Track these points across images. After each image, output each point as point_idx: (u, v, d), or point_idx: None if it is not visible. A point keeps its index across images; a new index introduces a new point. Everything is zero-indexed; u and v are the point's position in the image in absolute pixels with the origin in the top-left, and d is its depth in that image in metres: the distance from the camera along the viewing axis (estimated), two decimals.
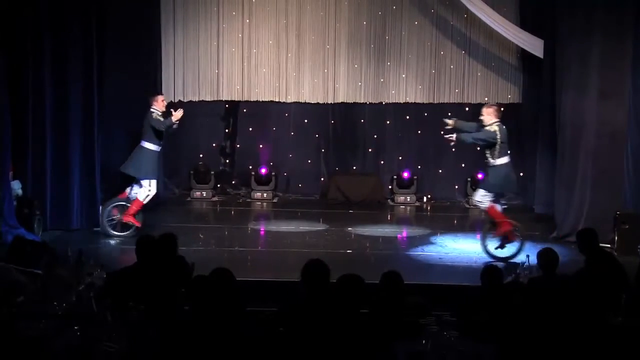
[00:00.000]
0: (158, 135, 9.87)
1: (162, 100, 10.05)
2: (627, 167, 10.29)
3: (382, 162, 13.48)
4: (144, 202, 9.89)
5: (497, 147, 8.99)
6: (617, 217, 9.67)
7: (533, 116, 11.87)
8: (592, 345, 4.76)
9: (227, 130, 13.57)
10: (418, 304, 5.50)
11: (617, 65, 9.92)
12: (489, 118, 9.09)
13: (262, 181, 13.15)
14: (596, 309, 5.49)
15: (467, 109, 12.94)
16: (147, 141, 9.85)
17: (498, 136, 8.96)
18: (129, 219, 9.84)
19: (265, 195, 13.03)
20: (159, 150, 9.97)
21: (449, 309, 5.96)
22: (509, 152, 9.16)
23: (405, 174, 13.02)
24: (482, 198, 9.18)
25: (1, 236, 8.95)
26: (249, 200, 13.01)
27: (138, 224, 9.84)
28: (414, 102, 12.76)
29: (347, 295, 4.89)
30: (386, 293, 5.47)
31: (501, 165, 9.06)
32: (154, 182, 9.93)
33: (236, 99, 12.83)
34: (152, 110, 9.89)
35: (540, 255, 6.37)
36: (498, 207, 9.17)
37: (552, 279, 6.19)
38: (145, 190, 9.84)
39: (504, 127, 9.12)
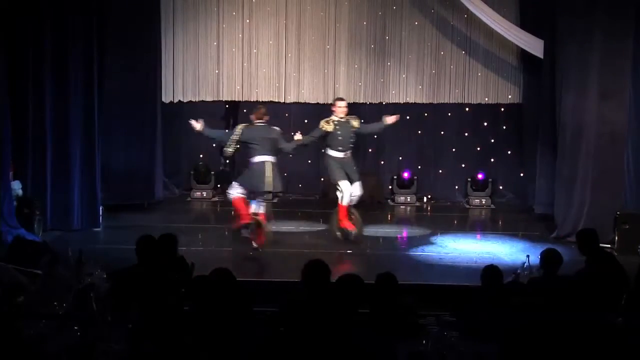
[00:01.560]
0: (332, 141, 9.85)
1: (339, 106, 9.88)
2: (627, 167, 10.29)
3: (382, 162, 13.48)
4: (346, 204, 9.80)
5: (250, 146, 9.44)
6: (617, 217, 9.67)
7: (533, 116, 11.86)
8: (592, 346, 4.76)
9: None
10: (406, 304, 5.47)
11: (617, 65, 9.91)
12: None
13: None
14: (596, 309, 5.49)
15: (467, 109, 12.96)
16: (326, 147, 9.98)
17: (235, 136, 9.39)
18: (344, 225, 9.87)
19: (264, 195, 12.99)
20: (337, 155, 9.84)
21: (449, 309, 5.96)
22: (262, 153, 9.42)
23: (405, 174, 13.02)
24: (231, 190, 9.60)
25: (1, 236, 8.95)
26: None
27: (352, 227, 9.85)
28: (414, 102, 12.76)
29: (346, 296, 4.88)
30: (381, 295, 5.45)
31: (251, 163, 9.49)
32: (342, 183, 9.80)
33: (236, 99, 12.82)
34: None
35: (543, 255, 6.36)
36: (253, 204, 9.55)
37: (552, 279, 6.19)
38: (340, 194, 9.83)
39: (255, 129, 9.44)
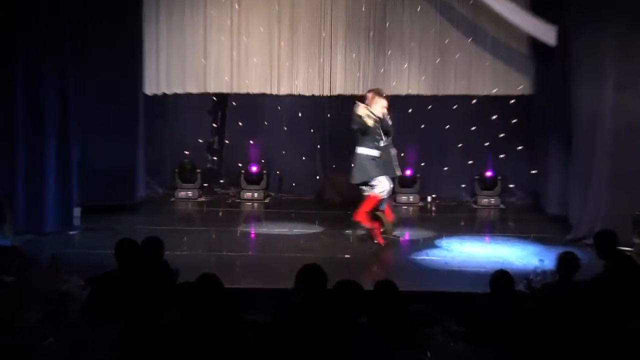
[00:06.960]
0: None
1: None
2: None
3: None
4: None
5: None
6: (637, 218, 9.66)
7: (545, 109, 11.87)
8: (611, 356, 4.75)
9: (214, 125, 13.57)
10: (423, 313, 5.47)
11: (635, 52, 9.90)
12: None
13: (253, 180, 13.16)
14: (616, 316, 5.48)
15: (474, 101, 12.96)
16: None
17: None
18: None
19: (256, 195, 13.05)
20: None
21: (456, 317, 5.95)
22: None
23: (408, 172, 13.01)
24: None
25: None
26: (238, 200, 13.03)
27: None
28: (417, 94, 12.76)
29: (344, 303, 4.86)
30: (382, 303, 5.43)
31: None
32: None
33: (224, 91, 12.84)
34: None
35: (560, 258, 6.34)
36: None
37: (568, 285, 6.17)
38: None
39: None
